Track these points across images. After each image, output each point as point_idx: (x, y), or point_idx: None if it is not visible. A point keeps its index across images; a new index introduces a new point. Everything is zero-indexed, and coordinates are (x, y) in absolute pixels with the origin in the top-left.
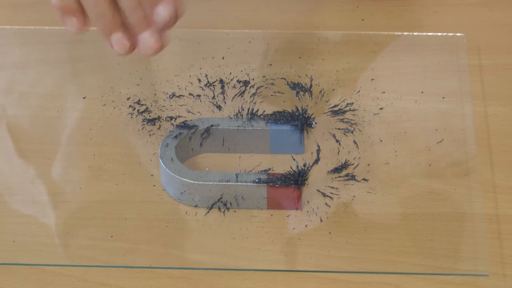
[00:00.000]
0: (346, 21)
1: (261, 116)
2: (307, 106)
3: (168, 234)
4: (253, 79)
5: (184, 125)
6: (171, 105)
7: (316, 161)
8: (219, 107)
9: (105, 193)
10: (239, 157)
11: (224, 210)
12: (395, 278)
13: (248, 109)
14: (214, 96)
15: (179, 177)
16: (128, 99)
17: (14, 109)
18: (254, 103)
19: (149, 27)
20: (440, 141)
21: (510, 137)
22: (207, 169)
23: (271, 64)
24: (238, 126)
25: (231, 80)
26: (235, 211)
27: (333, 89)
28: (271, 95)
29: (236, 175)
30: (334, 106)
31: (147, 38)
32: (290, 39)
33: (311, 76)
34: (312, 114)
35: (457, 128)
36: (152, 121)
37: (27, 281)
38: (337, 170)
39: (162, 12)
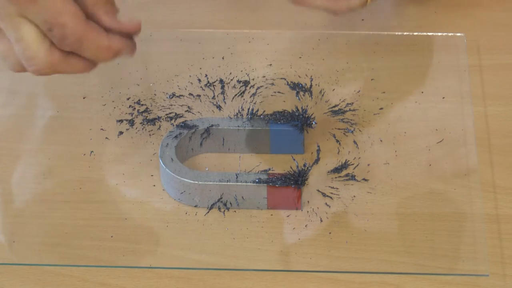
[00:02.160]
0: (346, 21)
1: (261, 116)
2: (307, 106)
3: (168, 234)
4: (253, 79)
5: (184, 125)
6: (171, 105)
7: (316, 161)
8: (219, 107)
9: (105, 193)
10: (239, 157)
11: (224, 210)
12: (395, 278)
13: (248, 109)
14: (214, 96)
15: (179, 177)
16: (128, 99)
17: (14, 109)
18: (254, 103)
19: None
20: (440, 141)
21: (510, 137)
22: (207, 169)
23: (271, 64)
24: (238, 126)
25: (231, 80)
26: (235, 211)
27: (333, 89)
28: (271, 95)
29: (236, 175)
30: (334, 106)
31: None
32: (290, 39)
33: (311, 76)
34: (312, 114)
35: (457, 128)
36: (152, 121)
37: (27, 281)
38: (337, 170)
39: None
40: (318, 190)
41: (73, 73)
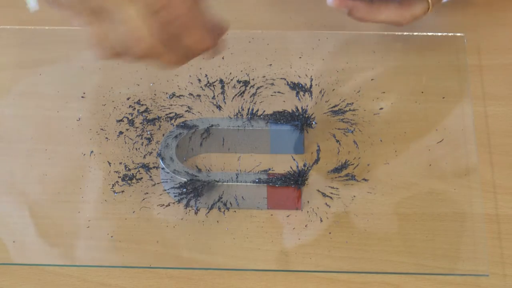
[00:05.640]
0: (346, 21)
1: (261, 116)
2: (307, 106)
3: (168, 234)
4: (253, 79)
5: (184, 125)
6: (171, 105)
7: (316, 161)
8: (219, 107)
9: (105, 193)
10: (239, 157)
11: (224, 210)
12: (395, 278)
13: (248, 109)
14: (214, 96)
15: (179, 177)
16: (128, 99)
17: (14, 109)
18: (254, 103)
19: None
20: (440, 141)
21: (510, 137)
22: (208, 169)
23: (271, 64)
24: (238, 126)
25: (231, 80)
26: (235, 211)
27: (333, 89)
28: (271, 95)
29: (236, 175)
30: (334, 106)
31: None
32: (290, 39)
33: (311, 76)
34: (312, 114)
35: (457, 128)
36: (152, 121)
37: (27, 281)
38: (337, 170)
39: None
40: (318, 190)
41: (163, 66)
